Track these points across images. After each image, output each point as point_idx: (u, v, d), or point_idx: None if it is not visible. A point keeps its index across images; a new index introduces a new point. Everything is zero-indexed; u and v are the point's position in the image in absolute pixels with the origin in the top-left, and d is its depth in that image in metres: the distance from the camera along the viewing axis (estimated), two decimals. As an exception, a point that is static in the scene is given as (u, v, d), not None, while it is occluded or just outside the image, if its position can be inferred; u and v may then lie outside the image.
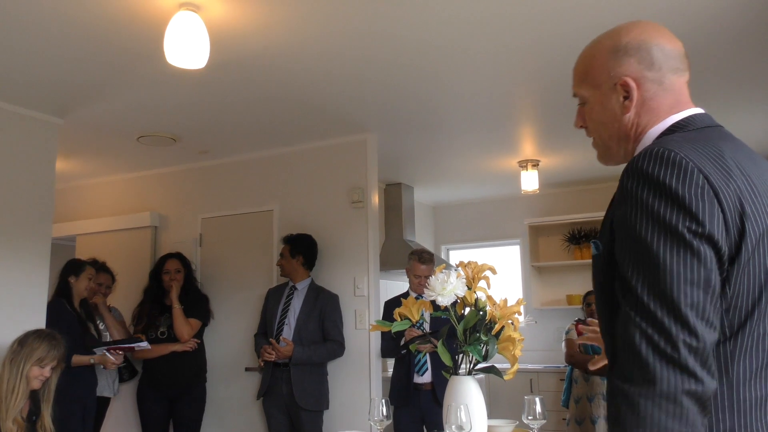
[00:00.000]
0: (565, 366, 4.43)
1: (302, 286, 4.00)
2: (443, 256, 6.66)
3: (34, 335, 2.84)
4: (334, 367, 3.99)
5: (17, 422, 2.69)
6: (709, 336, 0.93)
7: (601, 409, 4.07)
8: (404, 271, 4.06)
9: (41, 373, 2.78)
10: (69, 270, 3.84)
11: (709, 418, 0.96)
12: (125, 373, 4.28)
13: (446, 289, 2.02)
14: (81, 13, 2.47)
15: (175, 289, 4.13)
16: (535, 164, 4.93)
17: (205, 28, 2.44)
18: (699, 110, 1.14)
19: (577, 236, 5.81)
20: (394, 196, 5.56)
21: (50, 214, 3.68)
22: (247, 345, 4.25)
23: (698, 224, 0.94)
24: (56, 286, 3.82)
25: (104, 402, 4.12)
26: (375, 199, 4.17)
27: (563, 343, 4.29)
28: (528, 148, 4.63)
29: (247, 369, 4.30)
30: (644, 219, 0.97)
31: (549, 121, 3.99)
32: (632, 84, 1.14)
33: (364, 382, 3.93)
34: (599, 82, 1.18)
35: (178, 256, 4.29)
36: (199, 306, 4.26)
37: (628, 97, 1.14)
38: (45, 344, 2.80)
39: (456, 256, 6.72)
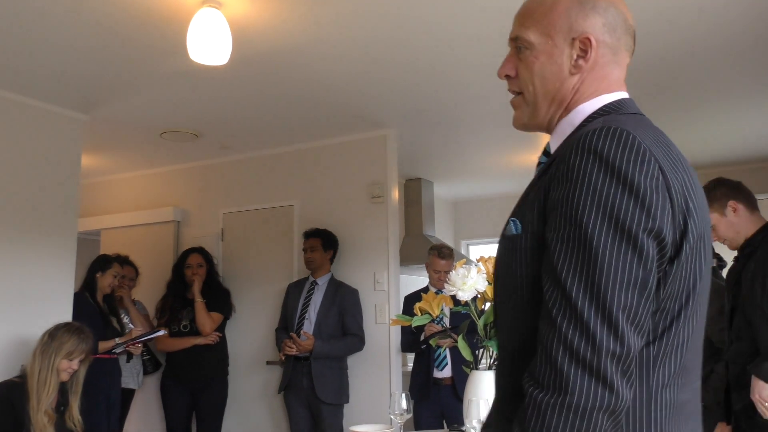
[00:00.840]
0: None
1: (323, 281, 4.02)
2: (463, 251, 6.65)
3: (63, 329, 2.90)
4: (354, 362, 4.01)
5: (48, 414, 2.75)
6: (637, 343, 0.85)
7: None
8: (424, 266, 4.07)
9: (70, 365, 2.84)
10: (96, 265, 3.93)
11: (625, 426, 0.88)
12: (149, 365, 4.36)
13: (466, 284, 2.02)
14: (106, 10, 2.51)
15: (197, 284, 4.18)
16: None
17: (227, 24, 2.46)
18: (627, 95, 1.05)
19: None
20: (414, 191, 5.56)
21: (76, 209, 3.74)
22: (269, 339, 4.29)
23: (649, 218, 0.85)
24: (83, 279, 3.90)
25: (129, 394, 4.20)
26: (395, 194, 4.18)
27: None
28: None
29: (268, 362, 4.34)
30: (591, 204, 0.85)
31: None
32: (594, 43, 1.01)
33: (384, 376, 3.95)
34: (554, 31, 1.03)
35: (200, 251, 4.35)
36: (220, 300, 4.31)
37: (583, 57, 1.02)
38: (74, 338, 2.86)
39: (476, 251, 6.70)
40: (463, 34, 2.78)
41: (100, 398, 3.66)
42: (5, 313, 3.27)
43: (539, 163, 1.10)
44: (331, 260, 4.08)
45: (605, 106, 1.02)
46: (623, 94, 1.04)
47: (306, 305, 3.99)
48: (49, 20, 2.59)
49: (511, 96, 1.13)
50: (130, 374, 4.17)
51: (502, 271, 1.01)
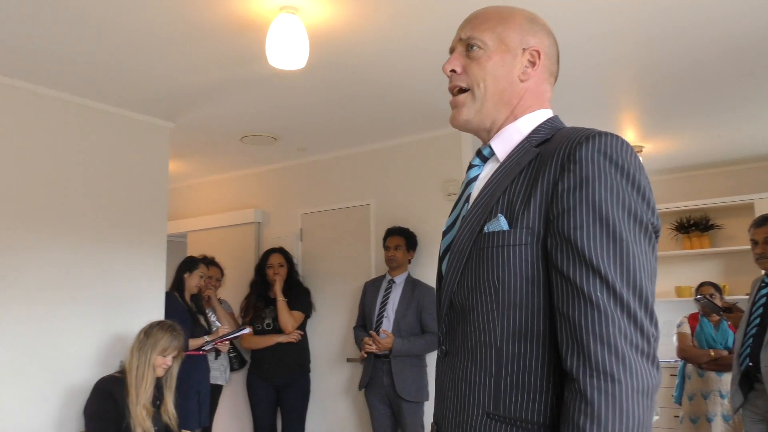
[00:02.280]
0: (677, 361, 4.22)
1: (400, 280, 4.04)
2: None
3: (157, 326, 3.04)
4: (433, 360, 4.01)
5: (146, 407, 2.89)
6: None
7: (717, 407, 3.84)
8: None
9: (164, 362, 2.98)
10: (184, 267, 4.12)
11: None
12: (235, 362, 4.52)
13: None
14: (189, 23, 2.61)
15: (278, 283, 4.30)
16: (639, 150, 4.72)
17: (304, 29, 2.51)
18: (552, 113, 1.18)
19: (686, 225, 5.50)
20: (490, 187, 5.49)
21: (165, 212, 3.92)
22: (348, 336, 4.35)
23: (653, 215, 0.97)
24: (172, 280, 4.09)
25: (217, 389, 4.37)
26: (471, 190, 4.13)
27: (674, 337, 4.09)
28: (630, 134, 4.43)
29: (348, 360, 4.40)
30: (615, 203, 0.94)
31: (652, 104, 3.81)
32: (542, 57, 1.14)
33: (464, 374, 3.92)
34: (508, 38, 1.13)
35: (281, 251, 4.46)
36: (301, 299, 4.41)
37: (531, 66, 1.14)
38: (168, 335, 3.00)
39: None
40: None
41: (192, 393, 3.83)
42: (103, 313, 3.47)
43: (471, 166, 1.18)
44: (410, 260, 4.10)
45: (548, 120, 1.14)
46: (550, 112, 1.17)
47: (384, 303, 4.02)
48: (137, 36, 2.73)
49: (451, 98, 1.21)
50: (218, 371, 4.34)
51: (474, 269, 1.04)
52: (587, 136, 0.99)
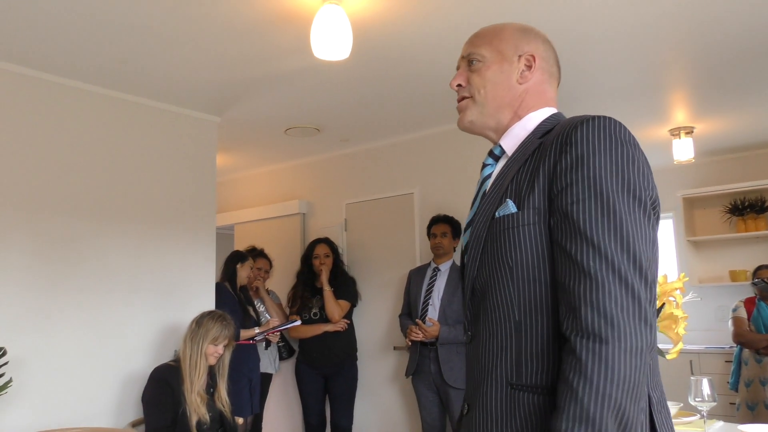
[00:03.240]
0: (731, 346, 4.11)
1: (445, 267, 4.04)
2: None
3: (208, 316, 3.12)
4: (480, 347, 4.00)
5: (200, 395, 2.98)
6: (656, 290, 1.04)
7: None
8: None
9: (216, 350, 3.06)
10: (236, 258, 4.22)
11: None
12: (284, 351, 4.60)
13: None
14: (234, 17, 2.66)
15: (324, 273, 4.35)
16: (689, 131, 4.58)
17: (348, 19, 2.52)
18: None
19: (741, 207, 5.32)
20: (534, 173, 5.42)
21: (213, 205, 4.00)
22: (394, 325, 4.37)
23: (650, 188, 1.04)
24: (222, 272, 4.19)
25: (267, 378, 4.46)
26: (516, 177, 4.09)
27: (730, 322, 3.98)
28: (680, 115, 4.31)
29: (395, 348, 4.43)
30: (612, 176, 1.01)
31: (704, 84, 3.69)
32: (538, 60, 1.26)
33: (511, 361, 3.91)
34: (503, 48, 1.27)
35: (326, 241, 4.51)
36: (347, 288, 4.45)
37: (528, 70, 1.26)
38: (218, 324, 3.07)
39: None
40: (586, 11, 2.67)
41: (244, 381, 3.92)
42: (157, 303, 3.58)
43: (485, 165, 1.29)
44: (455, 248, 4.09)
45: (552, 115, 1.24)
46: (554, 109, 1.27)
47: (429, 291, 4.02)
48: (183, 32, 2.78)
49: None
50: (268, 360, 4.43)
51: (491, 253, 1.13)
52: (583, 119, 1.07)
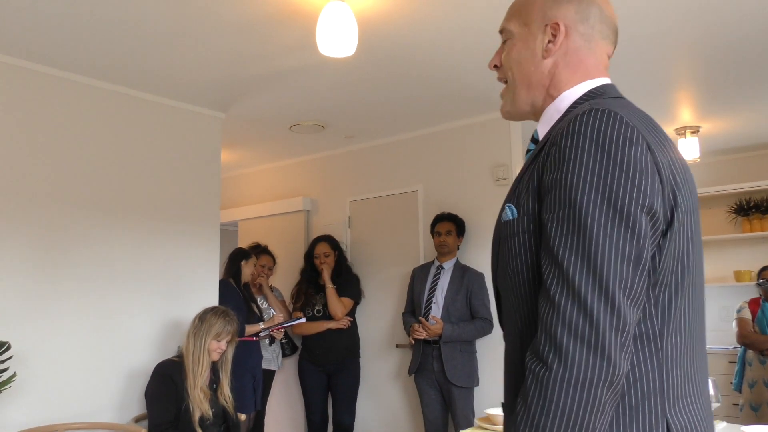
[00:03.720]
0: (735, 347, 4.10)
1: (449, 265, 4.04)
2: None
3: (211, 312, 3.13)
4: (482, 346, 4.00)
5: (203, 390, 2.98)
6: (633, 316, 0.87)
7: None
8: None
9: (219, 346, 3.06)
10: (241, 255, 4.23)
11: (640, 398, 0.90)
12: (287, 348, 4.60)
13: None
14: (239, 11, 2.65)
15: (326, 271, 4.35)
16: (695, 131, 4.56)
17: (354, 16, 2.52)
18: (609, 80, 1.10)
19: (746, 207, 5.30)
20: (539, 172, 5.41)
21: (218, 201, 4.01)
22: (397, 322, 4.37)
23: (640, 194, 0.88)
24: (226, 269, 4.19)
25: (270, 374, 4.46)
26: (520, 175, 4.08)
27: (734, 323, 3.97)
28: (686, 114, 4.29)
29: (398, 346, 4.43)
30: (585, 184, 0.88)
31: (710, 83, 3.67)
32: (562, 28, 1.08)
33: (514, 360, 3.91)
34: (530, 20, 1.11)
35: (327, 239, 4.50)
36: (350, 286, 4.45)
37: (553, 41, 1.09)
38: (221, 320, 3.08)
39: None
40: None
41: (247, 377, 3.93)
42: (161, 299, 3.59)
43: (528, 151, 1.13)
44: (459, 246, 4.09)
45: (589, 91, 1.07)
46: (605, 80, 1.09)
47: (433, 289, 4.02)
48: (189, 28, 2.78)
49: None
50: (271, 356, 4.43)
51: (501, 258, 1.04)
52: (576, 114, 0.94)
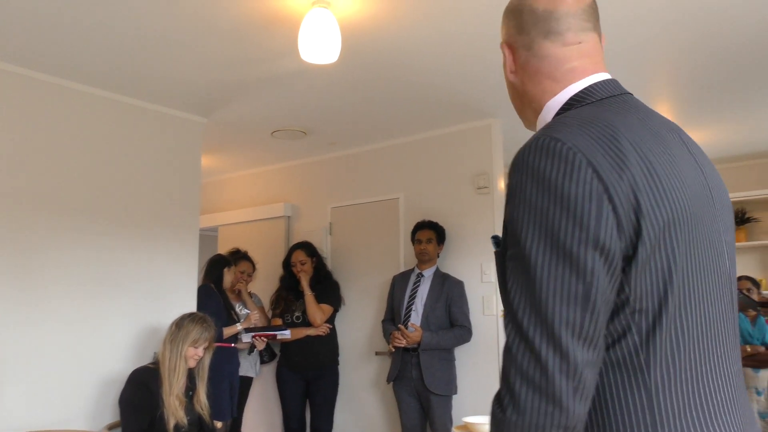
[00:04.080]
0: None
1: (429, 273, 4.04)
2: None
3: (188, 318, 3.09)
4: (462, 354, 4.00)
5: (178, 398, 2.95)
6: (586, 356, 0.82)
7: (753, 404, 3.77)
8: None
9: (196, 353, 3.03)
10: (223, 262, 4.21)
11: (630, 429, 0.86)
12: (265, 355, 4.57)
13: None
14: (222, 19, 2.64)
15: (304, 279, 4.34)
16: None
17: (337, 23, 2.52)
18: (602, 76, 1.01)
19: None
20: (519, 181, 5.44)
21: (197, 207, 3.97)
22: (377, 330, 4.37)
23: (582, 229, 0.82)
24: (207, 274, 4.16)
25: (248, 381, 4.43)
26: (501, 184, 4.11)
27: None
28: (664, 126, 4.35)
29: (377, 353, 4.42)
30: (528, 222, 0.85)
31: (684, 94, 3.73)
32: (505, 50, 1.08)
33: (492, 367, 3.92)
34: (503, 42, 1.11)
35: (304, 247, 4.49)
36: (330, 292, 4.44)
37: (509, 61, 1.08)
38: (198, 327, 3.04)
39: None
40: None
41: (224, 384, 3.89)
42: (138, 305, 3.54)
43: None
44: (439, 254, 4.10)
45: (570, 99, 1.00)
46: (592, 79, 1.01)
47: (413, 297, 4.02)
48: (171, 32, 2.77)
49: None
50: (249, 363, 4.39)
51: (500, 288, 1.00)
52: (522, 145, 0.91)
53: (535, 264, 0.84)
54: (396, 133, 4.42)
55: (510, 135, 4.31)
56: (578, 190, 0.83)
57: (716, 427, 0.87)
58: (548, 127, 0.92)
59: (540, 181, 0.85)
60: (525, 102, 1.08)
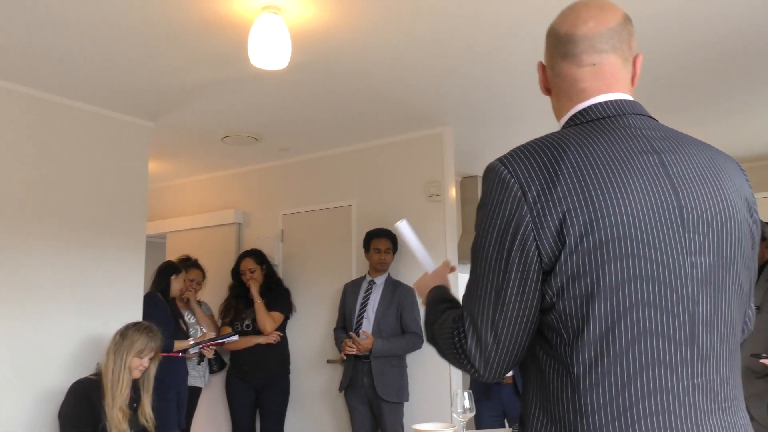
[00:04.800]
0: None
1: (380, 281, 4.04)
2: (521, 249, 6.55)
3: (133, 328, 3.01)
4: (413, 361, 4.01)
5: (122, 410, 2.86)
6: (491, 339, 1.01)
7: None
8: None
9: (141, 363, 2.95)
10: (171, 270, 4.12)
11: (557, 416, 0.97)
12: (214, 364, 4.48)
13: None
14: (170, 21, 2.59)
15: (253, 287, 4.28)
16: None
17: (287, 29, 2.50)
18: (610, 97, 1.08)
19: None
20: (471, 188, 5.52)
21: (144, 213, 3.88)
22: (329, 338, 4.34)
23: (503, 240, 0.98)
24: (154, 282, 4.06)
25: (196, 392, 4.33)
26: (452, 192, 4.16)
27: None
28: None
29: (329, 361, 4.39)
30: (477, 228, 1.04)
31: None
32: (539, 69, 1.19)
33: (444, 375, 3.94)
34: None
35: (253, 254, 4.43)
36: (280, 299, 4.39)
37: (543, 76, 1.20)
38: (144, 336, 2.97)
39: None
40: (518, 31, 2.75)
41: (170, 395, 3.80)
42: (80, 314, 3.43)
43: None
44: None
45: (573, 116, 1.10)
46: (598, 99, 1.09)
47: (364, 305, 4.01)
48: (118, 33, 2.70)
49: None
50: (197, 373, 4.30)
51: None
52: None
53: (474, 263, 1.04)
54: (348, 140, 4.41)
55: (461, 143, 4.37)
56: (501, 204, 0.99)
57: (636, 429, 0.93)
58: (539, 139, 1.06)
59: (483, 195, 1.04)
60: (556, 116, 1.18)
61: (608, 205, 0.94)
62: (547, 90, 1.18)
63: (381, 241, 4.05)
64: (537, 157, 0.99)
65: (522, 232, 0.96)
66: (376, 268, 4.05)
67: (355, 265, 4.40)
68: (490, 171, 1.03)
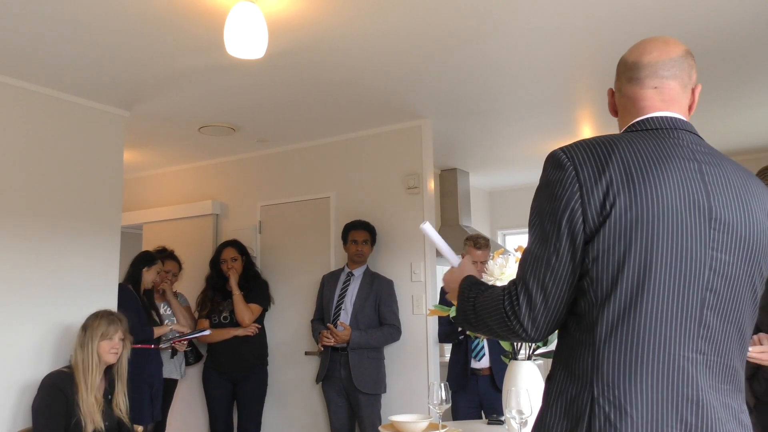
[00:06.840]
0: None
1: (359, 272, 4.05)
2: (500, 242, 6.60)
3: (92, 317, 3.02)
4: (391, 352, 4.03)
5: (96, 401, 2.83)
6: (542, 299, 1.16)
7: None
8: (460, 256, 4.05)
9: (112, 345, 2.94)
10: (143, 261, 4.06)
11: (577, 366, 1.14)
12: (191, 356, 4.45)
13: (504, 273, 2.01)
14: (146, 9, 2.55)
15: (233, 277, 4.25)
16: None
17: (264, 18, 2.48)
18: (665, 114, 1.25)
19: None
20: (450, 181, 5.54)
21: (119, 203, 3.83)
22: (306, 329, 4.33)
23: (555, 213, 1.15)
24: (127, 273, 4.01)
25: (172, 384, 4.30)
26: (430, 184, 4.16)
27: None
28: (587, 131, 4.52)
29: (306, 353, 4.39)
30: (533, 204, 1.22)
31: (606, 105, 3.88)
32: (609, 94, 1.39)
33: (421, 366, 3.96)
34: None
35: (234, 244, 4.40)
36: (258, 291, 4.37)
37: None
38: (104, 320, 2.97)
39: (513, 241, 6.64)
40: (499, 24, 2.75)
41: (144, 387, 3.77)
42: (54, 306, 3.38)
43: None
44: (369, 254, 4.12)
45: (630, 126, 1.28)
46: (652, 115, 1.26)
47: (342, 296, 4.02)
48: (93, 20, 2.65)
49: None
50: (173, 365, 4.27)
51: None
52: None
53: (531, 233, 1.21)
54: (327, 131, 4.39)
55: (440, 136, 4.37)
56: (560, 185, 1.16)
57: (638, 394, 1.08)
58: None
59: (542, 177, 1.22)
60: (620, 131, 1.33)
61: (647, 192, 1.11)
62: (615, 112, 1.37)
63: (359, 233, 4.05)
64: (592, 148, 1.17)
65: (572, 206, 1.13)
66: (354, 260, 4.05)
67: (334, 256, 4.39)
68: (551, 156, 1.20)
